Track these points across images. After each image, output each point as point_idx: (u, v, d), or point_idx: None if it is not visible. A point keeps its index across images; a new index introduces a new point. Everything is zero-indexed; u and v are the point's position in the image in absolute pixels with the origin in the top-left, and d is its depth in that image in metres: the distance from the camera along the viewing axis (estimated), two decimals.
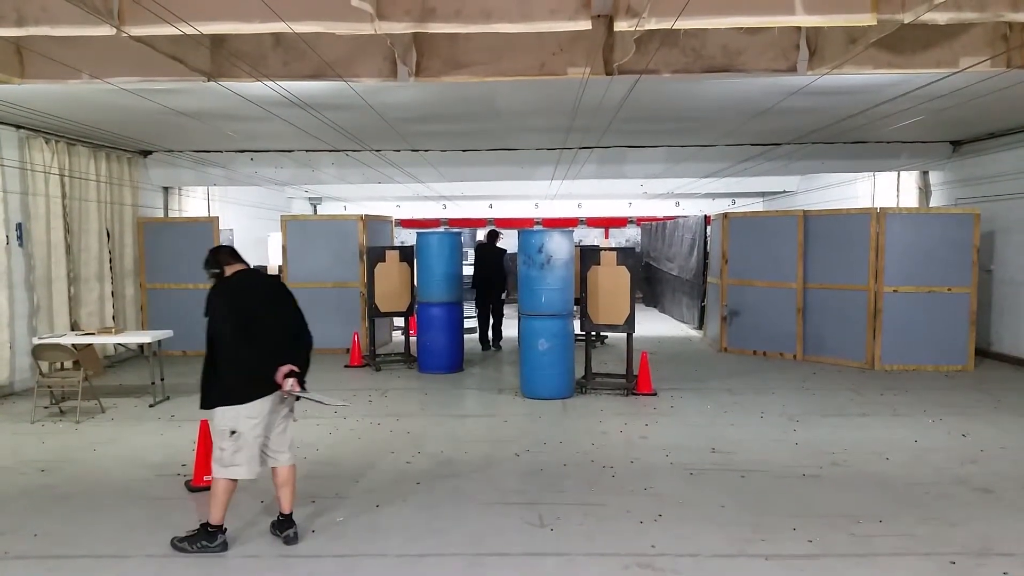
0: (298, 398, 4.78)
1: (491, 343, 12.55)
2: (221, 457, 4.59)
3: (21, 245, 9.43)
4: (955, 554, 4.53)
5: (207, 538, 4.63)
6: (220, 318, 4.54)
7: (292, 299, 4.85)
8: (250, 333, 4.49)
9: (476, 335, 12.56)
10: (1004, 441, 6.93)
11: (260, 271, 4.87)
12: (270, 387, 4.59)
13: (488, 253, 12.55)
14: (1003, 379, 9.81)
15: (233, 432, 4.55)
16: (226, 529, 4.72)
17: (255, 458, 4.63)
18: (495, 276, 12.45)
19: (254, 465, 4.64)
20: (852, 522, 5.01)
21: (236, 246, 14.97)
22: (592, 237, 23.39)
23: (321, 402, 4.91)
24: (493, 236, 12.81)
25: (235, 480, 4.64)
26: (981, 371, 10.25)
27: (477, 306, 12.59)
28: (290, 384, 4.56)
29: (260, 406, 4.59)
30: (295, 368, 4.60)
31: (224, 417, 4.57)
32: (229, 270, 4.71)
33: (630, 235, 23.52)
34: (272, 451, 4.77)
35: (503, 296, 12.73)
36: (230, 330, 4.49)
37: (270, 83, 6.53)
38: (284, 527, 4.78)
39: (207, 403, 4.65)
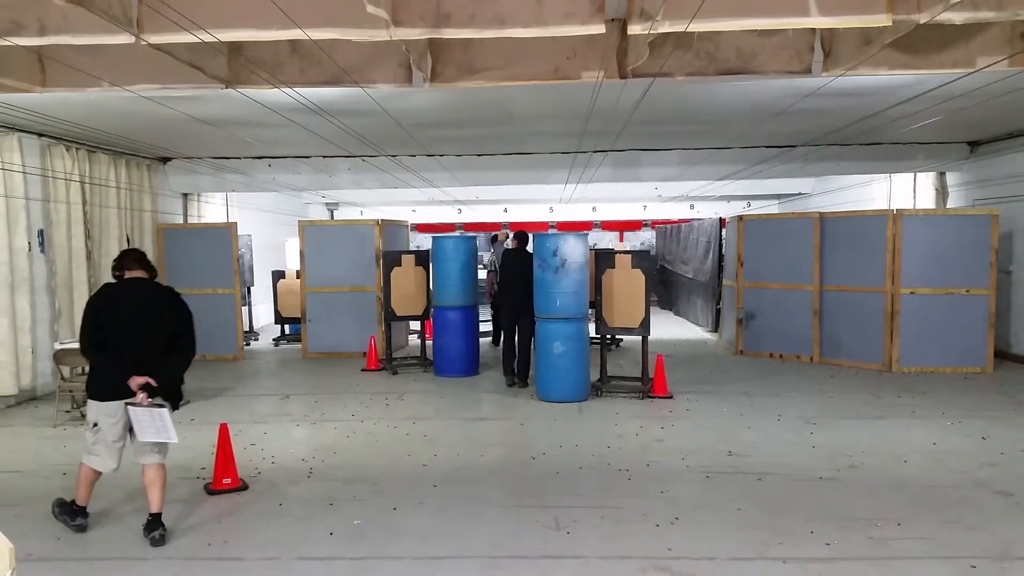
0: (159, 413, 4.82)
1: (516, 377, 9.77)
2: (85, 444, 4.96)
3: (43, 251, 9.56)
4: (975, 558, 4.49)
5: (69, 514, 5.03)
6: (82, 322, 4.85)
7: (178, 314, 5.00)
8: (106, 340, 4.73)
9: (491, 339, 12.42)
10: None
11: (152, 283, 5.02)
12: (128, 392, 4.73)
13: (520, 264, 9.67)
14: (1023, 381, 9.71)
15: (95, 424, 4.87)
16: (88, 514, 5.06)
17: (111, 454, 4.90)
18: (529, 294, 9.21)
19: (108, 460, 4.91)
20: (870, 525, 4.98)
21: (255, 251, 15.24)
22: (607, 240, 23.39)
23: (138, 423, 4.79)
24: (523, 240, 10.14)
25: (100, 471, 4.96)
26: (1000, 373, 10.15)
27: (499, 328, 10.14)
28: (140, 396, 4.70)
29: (117, 407, 4.79)
30: (151, 381, 4.74)
31: (90, 409, 4.92)
32: (128, 275, 4.94)
33: (645, 238, 23.51)
34: (137, 451, 4.93)
35: (535, 319, 9.34)
36: (83, 334, 4.79)
37: (287, 90, 6.58)
38: (150, 528, 4.87)
39: (87, 393, 5.00)
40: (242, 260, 13.67)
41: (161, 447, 4.96)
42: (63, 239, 9.84)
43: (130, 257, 5.00)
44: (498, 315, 11.18)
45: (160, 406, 4.75)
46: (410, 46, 5.72)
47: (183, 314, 5.02)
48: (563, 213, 21.71)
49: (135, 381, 4.70)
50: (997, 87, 7.20)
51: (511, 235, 10.48)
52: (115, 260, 5.03)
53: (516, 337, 9.82)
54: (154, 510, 4.90)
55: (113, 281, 4.98)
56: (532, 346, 9.42)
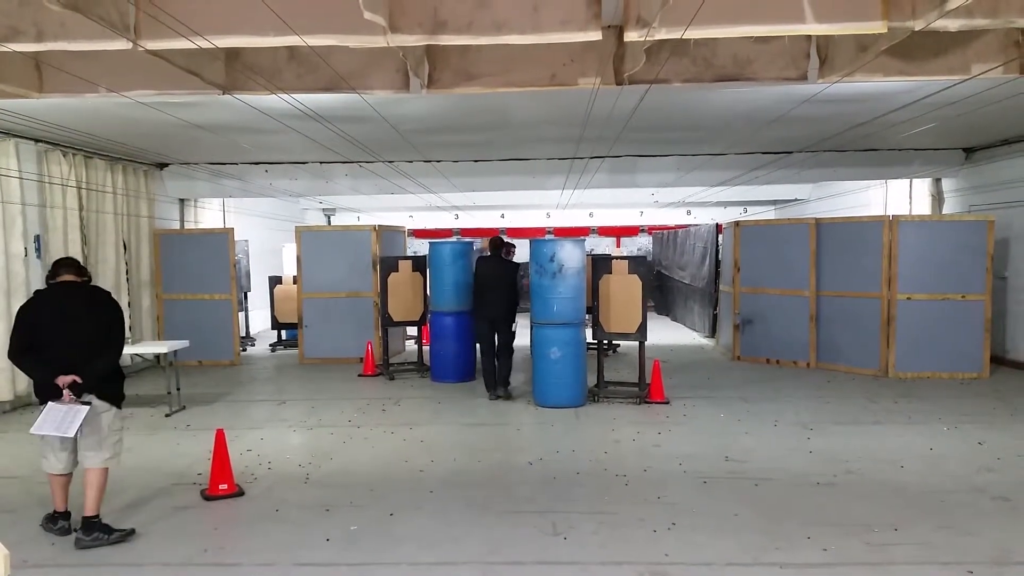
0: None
1: (498, 385, 9.35)
2: (40, 448, 5.10)
3: (39, 257, 9.53)
4: (973, 563, 4.49)
5: (50, 521, 5.14)
6: (12, 329, 4.95)
7: (106, 316, 5.10)
8: (38, 343, 4.86)
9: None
10: (1021, 449, 6.87)
11: (84, 285, 5.09)
12: (59, 393, 4.85)
13: (493, 270, 9.40)
14: (1019, 387, 9.72)
15: None
16: (70, 514, 5.12)
17: (56, 455, 5.02)
18: (504, 302, 9.27)
19: (53, 461, 5.04)
20: (867, 530, 4.99)
21: (252, 256, 15.22)
22: (604, 246, 23.39)
23: (44, 417, 4.84)
24: (498, 245, 9.65)
25: (54, 473, 5.06)
26: (997, 378, 10.17)
27: (479, 341, 9.64)
28: (65, 393, 4.81)
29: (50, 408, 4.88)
30: (77, 379, 4.85)
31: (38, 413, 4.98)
32: (59, 280, 5.04)
33: (642, 244, 23.51)
34: (80, 451, 5.03)
35: (513, 328, 9.41)
36: (12, 341, 4.92)
37: (284, 96, 6.59)
38: (84, 528, 4.92)
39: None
40: (239, 266, 13.66)
41: (99, 453, 4.99)
42: (59, 245, 9.81)
43: (62, 263, 5.13)
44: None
45: (86, 404, 4.84)
46: (407, 52, 5.73)
47: (111, 311, 5.14)
48: (560, 219, 21.75)
49: (62, 380, 4.83)
50: (992, 94, 7.23)
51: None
52: (49, 268, 5.14)
53: (494, 348, 9.39)
54: (86, 513, 4.95)
55: (40, 290, 5.09)
56: (511, 352, 9.38)
